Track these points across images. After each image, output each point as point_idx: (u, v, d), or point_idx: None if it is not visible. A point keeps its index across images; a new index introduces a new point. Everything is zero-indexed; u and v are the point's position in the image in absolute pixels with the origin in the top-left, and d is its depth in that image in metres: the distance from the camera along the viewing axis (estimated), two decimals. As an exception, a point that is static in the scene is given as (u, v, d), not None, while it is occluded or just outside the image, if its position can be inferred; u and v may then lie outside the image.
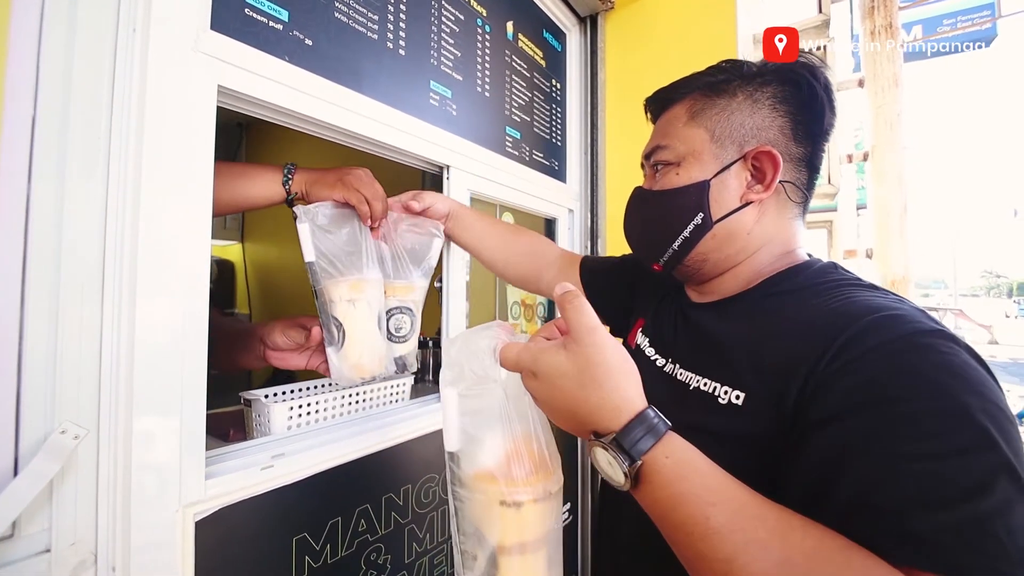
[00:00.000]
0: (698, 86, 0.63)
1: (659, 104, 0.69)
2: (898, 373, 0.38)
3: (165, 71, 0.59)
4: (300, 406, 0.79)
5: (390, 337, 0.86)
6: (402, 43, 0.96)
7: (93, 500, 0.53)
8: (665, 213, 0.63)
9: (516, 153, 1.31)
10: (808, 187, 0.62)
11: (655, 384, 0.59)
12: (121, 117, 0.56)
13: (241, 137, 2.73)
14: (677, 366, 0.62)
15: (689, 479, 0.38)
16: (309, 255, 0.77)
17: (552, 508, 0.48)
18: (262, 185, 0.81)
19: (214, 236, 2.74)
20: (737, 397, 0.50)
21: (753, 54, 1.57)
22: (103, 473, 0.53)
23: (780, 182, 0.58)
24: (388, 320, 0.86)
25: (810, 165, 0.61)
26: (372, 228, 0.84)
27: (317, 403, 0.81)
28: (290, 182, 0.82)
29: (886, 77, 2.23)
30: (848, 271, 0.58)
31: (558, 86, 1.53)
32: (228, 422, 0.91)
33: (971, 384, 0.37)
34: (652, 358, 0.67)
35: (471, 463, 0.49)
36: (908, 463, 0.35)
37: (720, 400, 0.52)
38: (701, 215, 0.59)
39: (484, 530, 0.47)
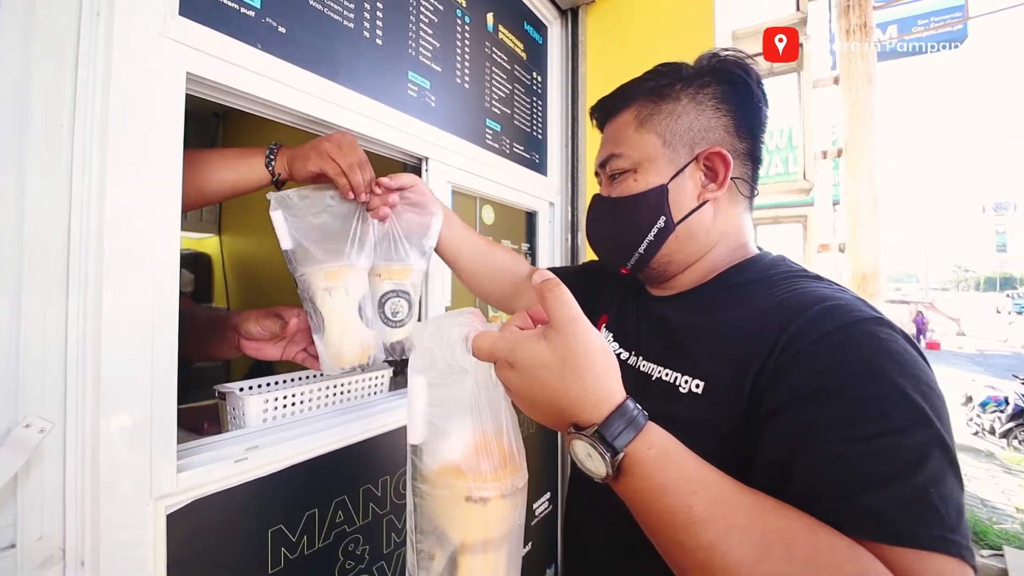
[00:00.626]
0: (642, 92, 0.65)
1: (604, 112, 0.70)
2: (839, 363, 0.42)
3: (131, 58, 0.58)
4: (275, 399, 0.78)
5: (386, 322, 0.82)
6: (379, 32, 0.95)
7: (60, 494, 0.52)
8: (628, 219, 0.64)
9: (496, 146, 1.31)
10: (754, 180, 0.66)
11: (626, 378, 0.62)
12: (85, 105, 0.55)
13: (217, 127, 2.66)
14: (640, 358, 0.64)
15: (670, 469, 0.38)
16: (285, 243, 0.75)
17: (517, 504, 0.47)
18: (246, 168, 0.77)
19: (190, 228, 2.67)
20: (697, 386, 0.53)
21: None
22: (71, 467, 0.52)
23: (731, 179, 0.62)
24: (384, 304, 0.82)
25: (753, 158, 0.65)
26: (361, 201, 0.78)
27: (293, 395, 0.81)
28: (273, 163, 0.77)
29: (860, 75, 2.29)
30: (795, 263, 0.61)
31: (539, 79, 1.53)
32: (204, 416, 0.90)
33: (907, 367, 0.40)
34: (616, 352, 0.69)
35: (435, 457, 0.46)
36: (854, 445, 0.38)
37: (681, 389, 0.54)
38: (663, 218, 0.62)
39: (446, 528, 0.45)
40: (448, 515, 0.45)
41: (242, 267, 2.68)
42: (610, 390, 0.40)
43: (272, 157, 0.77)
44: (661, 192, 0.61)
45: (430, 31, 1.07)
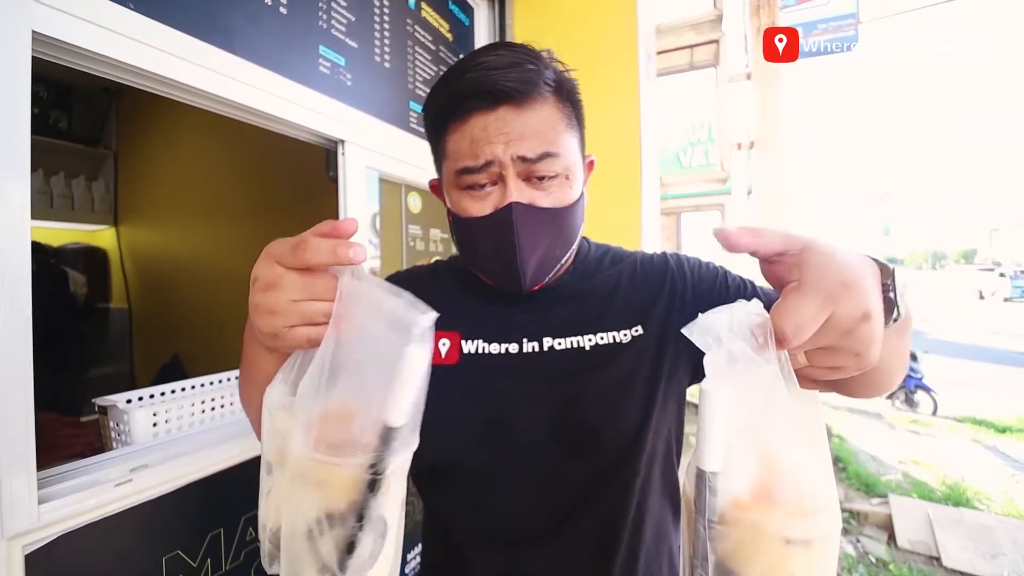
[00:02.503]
0: (551, 87, 0.56)
1: (511, 95, 0.54)
2: (701, 266, 0.66)
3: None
4: (167, 410, 0.70)
5: None
6: (283, 0, 0.86)
7: None
8: (566, 231, 0.59)
9: (421, 130, 1.24)
10: None
11: (528, 369, 0.60)
12: None
13: (109, 106, 2.34)
14: (553, 339, 0.62)
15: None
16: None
17: (837, 553, 0.35)
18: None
19: (80, 220, 2.33)
20: (636, 331, 0.61)
21: (654, 42, 1.63)
22: None
23: None
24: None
25: None
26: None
27: (192, 405, 0.73)
28: None
29: (770, 73, 2.46)
30: (594, 241, 0.72)
31: (466, 62, 1.48)
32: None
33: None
34: (502, 351, 0.62)
35: (732, 485, 0.35)
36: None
37: (624, 340, 0.60)
38: (582, 226, 0.62)
39: (746, 570, 0.34)
40: (758, 558, 0.34)
41: (145, 262, 2.39)
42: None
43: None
44: (583, 202, 0.60)
45: (343, 3, 0.99)
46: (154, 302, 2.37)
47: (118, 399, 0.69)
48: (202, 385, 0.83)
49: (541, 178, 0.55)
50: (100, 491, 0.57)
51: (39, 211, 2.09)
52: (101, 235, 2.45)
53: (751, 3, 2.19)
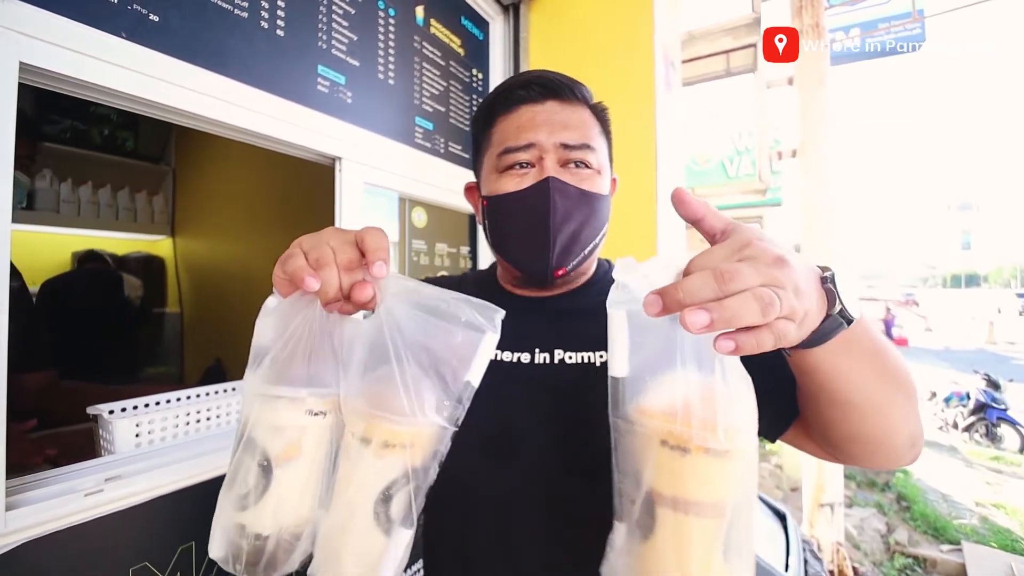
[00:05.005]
0: (586, 101, 0.64)
1: (558, 91, 0.62)
2: None
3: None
4: (150, 421, 0.72)
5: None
6: (280, 23, 0.89)
7: None
8: (595, 216, 0.62)
9: (428, 145, 1.25)
10: None
11: (536, 380, 0.60)
12: None
13: (170, 126, 2.54)
14: (563, 351, 0.62)
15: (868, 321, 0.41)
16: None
17: (732, 472, 0.37)
18: None
19: (141, 230, 2.53)
20: None
21: (678, 51, 1.57)
22: None
23: None
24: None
25: None
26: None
27: (176, 417, 0.74)
28: None
29: (814, 76, 2.30)
30: None
31: (480, 76, 1.48)
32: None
33: None
34: (513, 360, 0.63)
35: (634, 393, 0.40)
36: None
37: None
38: (606, 227, 0.64)
39: (641, 469, 0.39)
40: (642, 455, 0.40)
41: (196, 270, 2.57)
42: None
43: None
44: (609, 203, 0.64)
45: (345, 23, 1.01)
46: (203, 308, 2.53)
47: (104, 408, 0.72)
48: (197, 396, 0.86)
49: (577, 165, 0.60)
50: (70, 500, 0.59)
51: (107, 223, 2.31)
52: (160, 245, 2.66)
53: (793, 4, 2.07)
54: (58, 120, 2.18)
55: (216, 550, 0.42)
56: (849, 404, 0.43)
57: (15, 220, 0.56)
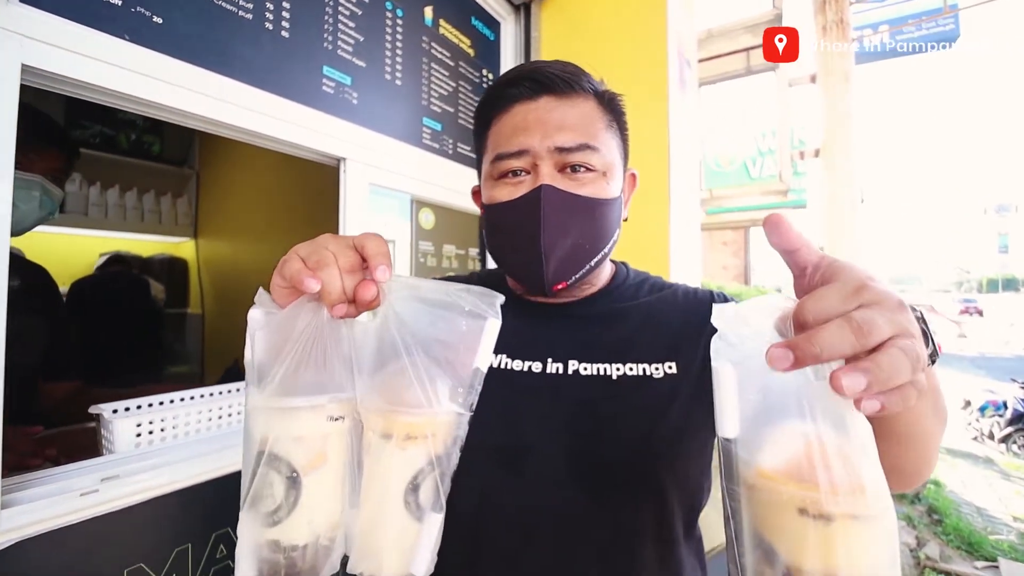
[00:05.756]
0: (593, 90, 0.59)
1: (554, 85, 0.56)
2: None
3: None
4: (150, 421, 0.72)
5: None
6: (285, 24, 0.89)
7: None
8: (600, 224, 0.57)
9: (436, 146, 1.24)
10: None
11: (550, 391, 0.57)
12: None
13: (194, 130, 2.61)
14: (577, 362, 0.58)
15: None
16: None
17: (880, 538, 0.34)
18: None
19: (165, 232, 2.59)
20: (670, 367, 0.56)
21: (694, 49, 1.53)
22: None
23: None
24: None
25: None
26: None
27: (175, 417, 0.74)
28: None
29: (837, 73, 2.22)
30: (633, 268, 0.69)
31: (490, 76, 1.47)
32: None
33: None
34: (524, 369, 0.60)
35: (753, 455, 0.36)
36: None
37: (655, 376, 0.56)
38: (617, 232, 0.60)
39: (774, 541, 0.35)
40: (774, 527, 0.35)
41: (218, 272, 2.63)
42: None
43: None
44: (620, 204, 0.60)
45: (351, 24, 1.01)
46: (223, 309, 2.58)
47: (106, 408, 0.72)
48: (201, 396, 0.86)
49: (576, 169, 0.55)
50: (65, 500, 0.59)
51: (133, 225, 2.38)
52: (183, 247, 2.73)
53: (815, 0, 2.01)
54: (88, 126, 2.26)
55: (245, 572, 0.41)
56: (912, 439, 0.40)
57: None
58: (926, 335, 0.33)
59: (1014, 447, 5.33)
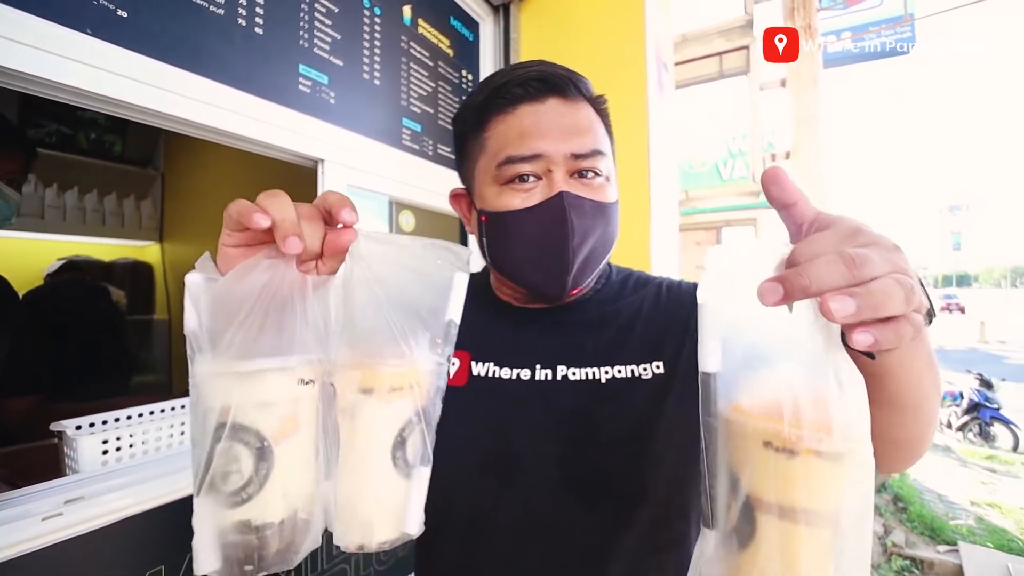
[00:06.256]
0: (588, 94, 0.58)
1: (563, 87, 0.55)
2: None
3: None
4: (118, 437, 0.68)
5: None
6: (258, 20, 0.85)
7: None
8: (608, 230, 0.57)
9: (416, 147, 1.22)
10: None
11: (539, 398, 0.56)
12: None
13: (159, 130, 2.50)
14: (566, 367, 0.58)
15: None
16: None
17: (846, 477, 0.34)
18: None
19: (129, 236, 2.48)
20: (658, 367, 0.56)
21: (671, 52, 1.55)
22: None
23: None
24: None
25: None
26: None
27: (144, 432, 0.71)
28: None
29: (806, 78, 2.30)
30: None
31: (470, 77, 1.46)
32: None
33: None
34: (512, 376, 0.59)
35: (729, 389, 0.37)
36: None
37: (644, 377, 0.55)
38: (617, 234, 0.60)
39: (739, 471, 0.36)
40: (739, 457, 0.36)
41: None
42: None
43: None
44: (619, 208, 0.60)
45: (328, 22, 0.98)
46: (191, 315, 2.47)
47: (69, 424, 0.68)
48: (172, 409, 0.82)
49: (585, 174, 0.55)
50: (25, 525, 0.55)
51: (93, 228, 2.26)
52: (148, 251, 2.62)
53: (785, 6, 2.06)
54: (44, 124, 2.14)
55: (210, 564, 0.36)
56: (908, 406, 0.40)
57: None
58: (923, 288, 0.32)
59: (970, 435, 5.61)
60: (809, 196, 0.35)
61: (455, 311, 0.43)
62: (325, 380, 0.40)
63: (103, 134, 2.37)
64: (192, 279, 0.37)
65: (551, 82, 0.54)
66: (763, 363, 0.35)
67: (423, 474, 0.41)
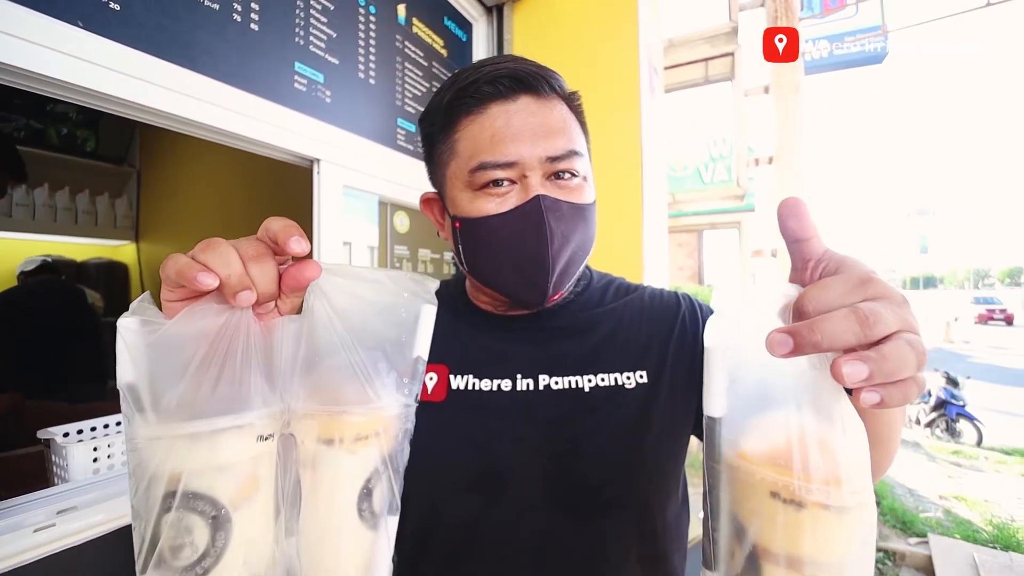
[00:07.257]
0: (562, 91, 0.55)
1: (535, 85, 0.52)
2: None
3: None
4: (109, 445, 0.65)
5: None
6: (254, 16, 0.84)
7: None
8: (587, 233, 0.55)
9: (411, 147, 1.21)
10: None
11: (521, 410, 0.54)
12: None
13: (134, 126, 2.42)
14: (548, 377, 0.56)
15: None
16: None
17: (854, 528, 0.34)
18: None
19: (103, 235, 2.39)
20: (641, 376, 0.55)
21: (661, 56, 1.57)
22: None
23: None
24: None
25: None
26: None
27: (137, 438, 0.68)
28: None
29: (788, 84, 2.38)
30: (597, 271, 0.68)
31: (463, 78, 1.45)
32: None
33: None
34: (493, 388, 0.57)
35: (735, 435, 0.36)
36: None
37: (627, 386, 0.54)
38: (594, 242, 0.57)
39: (745, 520, 0.35)
40: (746, 506, 0.35)
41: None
42: None
43: None
44: (596, 209, 0.57)
45: (323, 19, 0.97)
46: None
47: (57, 432, 0.65)
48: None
49: (561, 176, 0.52)
50: (16, 537, 0.53)
51: (65, 227, 2.17)
52: (123, 250, 2.53)
53: (769, 14, 2.12)
54: (11, 118, 2.05)
55: None
56: (883, 442, 0.40)
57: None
58: None
59: (937, 431, 5.83)
60: (820, 233, 0.34)
61: (423, 347, 0.40)
62: (284, 431, 0.37)
63: (75, 129, 2.28)
64: (127, 324, 0.32)
65: (523, 79, 0.51)
66: (767, 407, 0.35)
67: (391, 523, 0.39)
